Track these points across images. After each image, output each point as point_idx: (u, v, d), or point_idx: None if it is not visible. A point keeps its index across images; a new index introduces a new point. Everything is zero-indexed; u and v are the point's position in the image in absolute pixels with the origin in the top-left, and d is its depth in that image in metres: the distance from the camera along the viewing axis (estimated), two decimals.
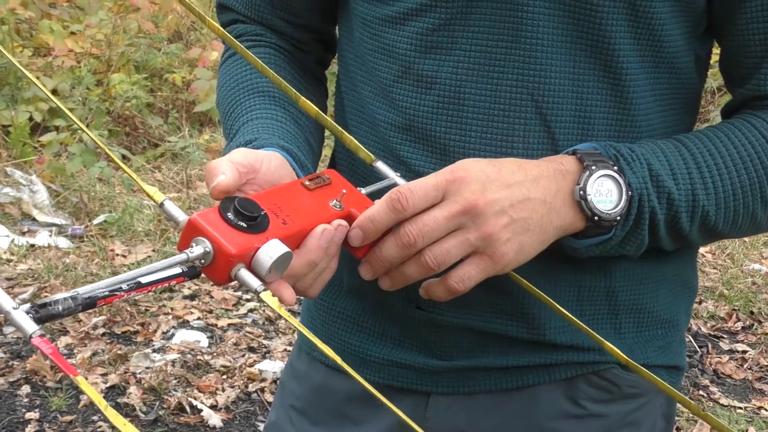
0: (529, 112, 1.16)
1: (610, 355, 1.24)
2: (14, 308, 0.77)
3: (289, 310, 0.89)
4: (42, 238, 4.80)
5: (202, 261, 0.92)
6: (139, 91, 6.25)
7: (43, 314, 0.79)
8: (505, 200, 1.04)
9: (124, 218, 5.01)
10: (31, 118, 5.87)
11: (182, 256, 0.91)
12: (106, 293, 0.84)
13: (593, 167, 1.09)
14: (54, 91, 6.10)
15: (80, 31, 6.85)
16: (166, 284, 0.89)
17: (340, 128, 1.06)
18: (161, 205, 0.95)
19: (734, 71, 1.23)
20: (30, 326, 0.76)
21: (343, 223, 1.03)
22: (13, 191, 5.18)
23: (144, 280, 0.87)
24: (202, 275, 0.94)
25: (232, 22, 1.41)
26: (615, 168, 1.10)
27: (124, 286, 0.86)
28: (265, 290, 0.90)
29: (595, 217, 1.09)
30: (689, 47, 1.20)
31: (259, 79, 1.29)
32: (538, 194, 1.07)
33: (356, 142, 1.07)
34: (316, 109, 1.05)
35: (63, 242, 4.79)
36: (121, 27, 6.91)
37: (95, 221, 5.05)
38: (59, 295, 0.81)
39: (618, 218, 1.10)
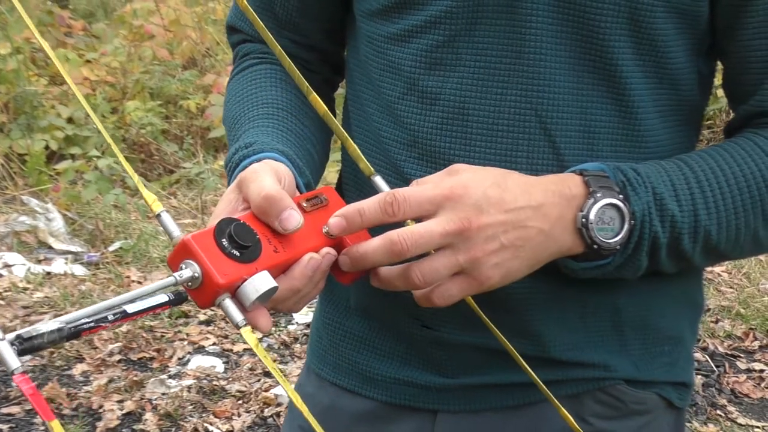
0: (533, 128, 1.16)
1: (616, 371, 1.25)
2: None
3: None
4: (58, 265, 4.82)
5: (190, 284, 0.93)
6: (154, 118, 6.29)
7: (27, 346, 0.80)
8: (500, 226, 1.04)
9: (140, 245, 5.03)
10: (47, 147, 5.91)
11: (170, 280, 0.92)
12: (92, 324, 0.85)
13: (598, 194, 1.08)
14: (69, 119, 6.15)
15: (95, 59, 6.91)
16: (153, 312, 0.91)
17: (345, 133, 1.06)
18: (158, 216, 0.95)
19: (736, 89, 1.23)
20: (14, 362, 0.77)
21: (332, 251, 1.03)
22: (29, 219, 5.21)
23: (130, 309, 0.88)
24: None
25: (240, 42, 1.44)
26: (620, 196, 1.09)
27: (110, 316, 0.87)
28: (246, 325, 0.91)
29: (594, 246, 1.09)
30: (692, 64, 1.20)
31: (264, 93, 1.30)
32: (537, 223, 1.06)
33: (358, 151, 1.07)
34: (325, 107, 1.05)
35: (79, 269, 4.81)
36: (135, 55, 6.97)
37: (111, 248, 5.07)
38: (46, 327, 0.82)
39: (618, 247, 1.10)
